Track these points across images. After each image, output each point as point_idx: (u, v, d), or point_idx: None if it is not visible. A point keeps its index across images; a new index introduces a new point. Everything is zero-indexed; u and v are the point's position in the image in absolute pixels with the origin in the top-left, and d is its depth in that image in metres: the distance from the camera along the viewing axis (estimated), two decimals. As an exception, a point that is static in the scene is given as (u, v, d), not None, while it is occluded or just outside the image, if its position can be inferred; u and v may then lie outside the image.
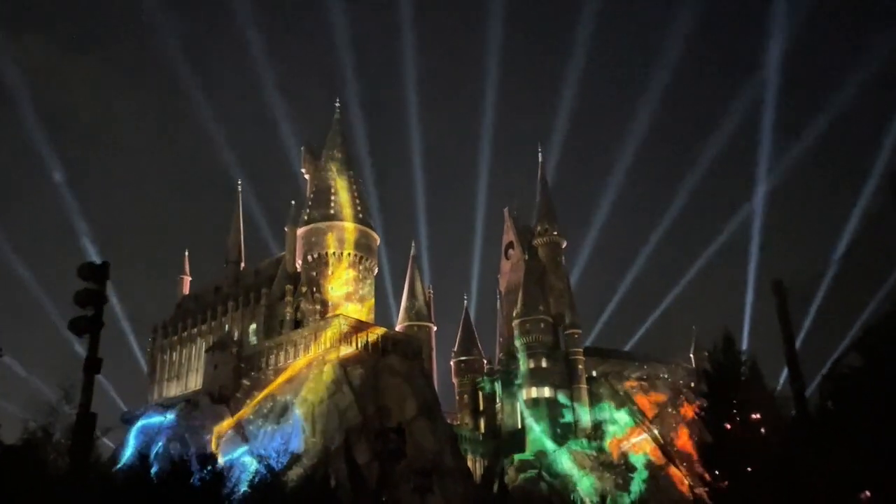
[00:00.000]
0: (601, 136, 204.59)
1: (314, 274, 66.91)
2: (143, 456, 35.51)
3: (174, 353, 70.83)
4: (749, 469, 21.49)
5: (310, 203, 70.34)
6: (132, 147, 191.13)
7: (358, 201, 70.42)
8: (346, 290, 66.64)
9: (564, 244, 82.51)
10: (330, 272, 66.96)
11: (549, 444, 68.71)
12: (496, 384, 77.10)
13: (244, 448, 54.18)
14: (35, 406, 28.17)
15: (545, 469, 66.69)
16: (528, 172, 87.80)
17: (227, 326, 66.93)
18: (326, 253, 67.35)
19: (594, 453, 68.90)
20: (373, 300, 69.53)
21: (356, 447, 50.82)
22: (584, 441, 70.04)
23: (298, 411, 54.75)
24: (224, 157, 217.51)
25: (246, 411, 58.62)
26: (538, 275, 78.69)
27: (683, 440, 72.70)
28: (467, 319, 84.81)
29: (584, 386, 73.48)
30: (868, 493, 16.92)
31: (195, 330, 70.01)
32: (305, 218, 69.51)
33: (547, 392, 71.48)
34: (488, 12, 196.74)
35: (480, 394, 78.83)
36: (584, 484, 65.66)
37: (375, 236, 71.18)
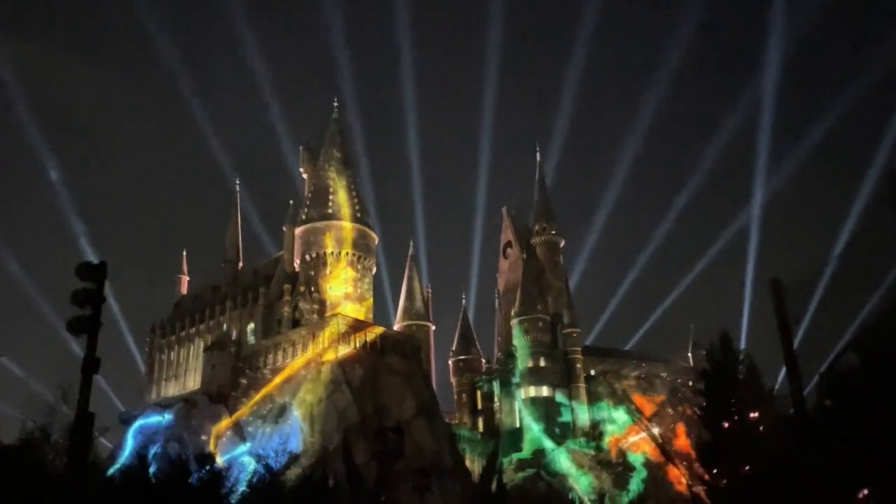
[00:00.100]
0: (602, 136, 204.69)
1: (312, 273, 66.90)
2: (141, 456, 35.48)
3: (172, 353, 70.76)
4: (747, 467, 21.54)
5: (308, 202, 70.31)
6: (130, 146, 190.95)
7: (356, 201, 70.40)
8: (344, 290, 66.62)
9: (562, 243, 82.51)
10: (328, 272, 66.95)
11: (548, 444, 68.73)
12: (494, 383, 77.09)
13: (242, 448, 54.17)
14: (33, 406, 28.15)
15: (543, 468, 66.69)
16: (527, 172, 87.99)
17: (225, 326, 66.88)
18: (325, 252, 67.33)
19: (592, 452, 68.91)
20: (371, 300, 69.52)
21: (355, 447, 50.82)
22: (583, 440, 70.06)
23: (297, 411, 54.74)
24: (222, 156, 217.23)
25: (244, 411, 58.61)
26: (536, 274, 78.70)
27: (682, 439, 72.70)
28: (465, 319, 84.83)
29: (582, 385, 73.51)
30: (866, 491, 16.96)
31: (193, 330, 69.95)
32: (303, 217, 69.48)
33: (545, 391, 71.51)
34: (487, 11, 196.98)
35: (479, 393, 78.83)
36: (583, 483, 65.70)
37: (374, 236, 71.16)
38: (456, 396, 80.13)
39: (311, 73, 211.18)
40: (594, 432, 71.09)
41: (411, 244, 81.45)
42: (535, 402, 71.27)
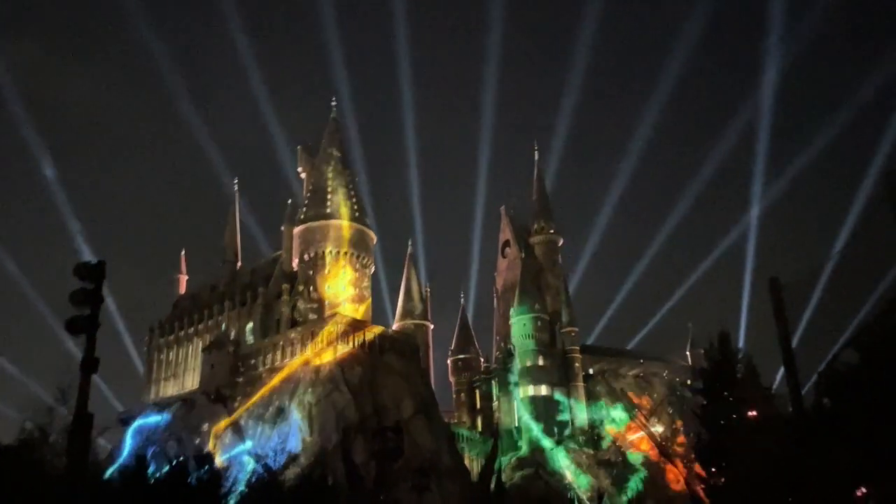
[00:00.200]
0: (604, 138, 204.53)
1: (311, 273, 66.87)
2: (140, 456, 35.43)
3: (171, 353, 70.72)
4: (746, 466, 21.53)
5: (306, 202, 70.28)
6: (128, 146, 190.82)
7: (354, 200, 70.37)
8: (342, 289, 66.59)
9: (561, 242, 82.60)
10: (327, 271, 66.92)
11: (546, 442, 68.80)
12: (493, 382, 77.12)
13: (241, 447, 54.14)
14: (31, 406, 28.10)
15: (542, 467, 66.75)
16: (526, 171, 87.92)
17: (223, 326, 66.84)
18: (323, 252, 67.30)
19: (591, 451, 69.00)
20: (370, 299, 69.50)
21: (353, 446, 50.79)
22: (581, 439, 70.14)
23: (296, 411, 54.72)
24: (220, 156, 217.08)
25: (243, 411, 58.56)
26: (535, 273, 78.76)
27: (680, 438, 72.77)
28: (464, 318, 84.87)
29: (580, 384, 73.58)
30: (864, 490, 16.98)
31: (192, 329, 69.91)
32: (302, 217, 69.45)
33: (544, 390, 71.57)
34: (487, 8, 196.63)
35: (477, 392, 78.86)
36: (581, 482, 65.76)
37: (372, 235, 71.14)
38: (455, 396, 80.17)
39: (308, 73, 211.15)
40: (593, 431, 71.17)
41: (410, 243, 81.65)
42: (533, 401, 71.33)
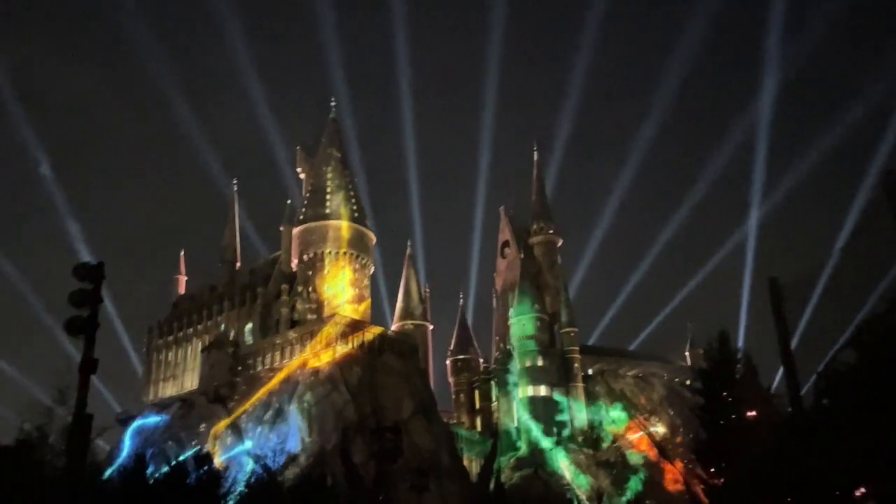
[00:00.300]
0: (606, 137, 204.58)
1: (310, 273, 66.86)
2: (139, 456, 35.41)
3: (170, 354, 70.69)
4: (745, 466, 21.55)
5: (305, 202, 70.28)
6: (127, 147, 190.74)
7: (353, 200, 70.36)
8: (342, 290, 66.58)
9: (560, 243, 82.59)
10: (326, 271, 66.91)
11: (546, 443, 68.78)
12: (492, 383, 77.11)
13: (240, 448, 54.12)
14: (30, 407, 28.06)
15: (541, 467, 66.72)
16: (526, 172, 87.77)
17: (223, 326, 66.82)
18: (322, 252, 67.29)
19: (590, 451, 68.98)
20: (369, 299, 69.49)
21: (353, 446, 50.75)
22: (581, 439, 70.14)
23: (295, 411, 54.72)
24: (219, 156, 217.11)
25: (242, 411, 58.54)
26: (534, 273, 78.74)
27: (679, 438, 72.76)
28: (463, 318, 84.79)
29: (580, 384, 73.55)
30: (863, 490, 16.99)
31: (191, 330, 69.89)
32: (301, 217, 69.45)
33: (543, 390, 71.54)
34: (487, 8, 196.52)
35: (476, 393, 78.82)
36: (581, 482, 65.73)
37: (371, 235, 71.13)
38: (454, 396, 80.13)
39: (307, 73, 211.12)
40: (592, 431, 71.14)
41: (409, 244, 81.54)
42: (532, 401, 71.30)
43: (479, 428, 75.70)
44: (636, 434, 72.43)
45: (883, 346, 15.84)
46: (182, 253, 79.80)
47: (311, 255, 67.41)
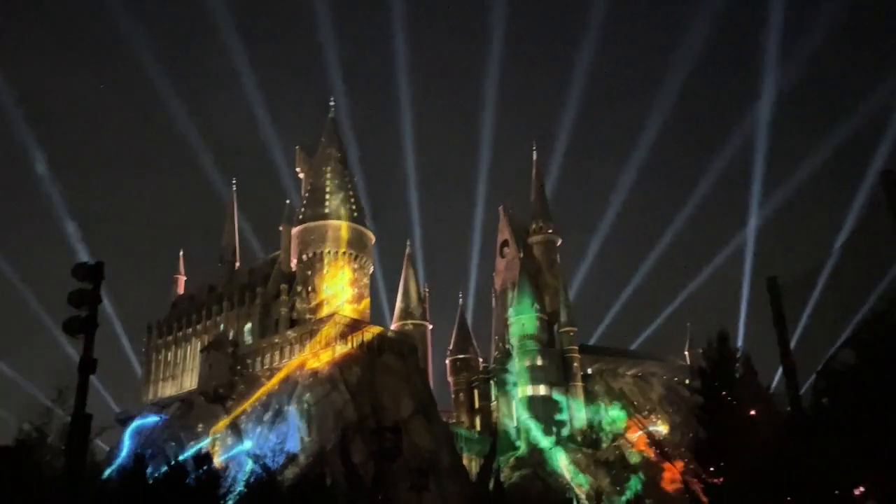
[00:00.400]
0: (607, 138, 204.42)
1: (309, 273, 66.84)
2: (138, 456, 35.40)
3: (169, 353, 70.67)
4: (744, 466, 21.56)
5: (304, 202, 70.25)
6: (126, 147, 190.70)
7: (352, 200, 70.34)
8: (341, 290, 66.56)
9: (559, 242, 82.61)
10: (325, 271, 66.89)
11: (545, 442, 68.81)
12: (491, 382, 77.13)
13: (240, 448, 54.12)
14: (29, 407, 28.08)
15: (541, 467, 66.75)
16: (526, 171, 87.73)
17: (222, 326, 66.82)
18: (321, 252, 67.27)
19: (589, 451, 68.99)
20: (368, 299, 69.48)
21: (352, 446, 50.77)
22: (580, 439, 70.16)
23: (294, 411, 54.73)
24: (217, 156, 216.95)
25: (241, 411, 58.54)
26: (533, 273, 78.74)
27: (679, 437, 72.81)
28: (463, 318, 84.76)
29: (579, 384, 73.57)
30: (863, 489, 17.00)
31: (190, 330, 69.88)
32: (300, 217, 69.43)
33: (542, 390, 71.56)
34: (487, 6, 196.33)
35: (476, 392, 78.82)
36: (580, 481, 65.77)
37: (370, 235, 71.11)
38: (453, 396, 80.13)
39: (306, 73, 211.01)
40: (591, 431, 71.15)
41: (408, 244, 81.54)
42: (532, 400, 71.32)
43: (478, 427, 75.72)
44: (635, 433, 72.45)
45: (882, 346, 15.84)
46: (181, 253, 79.91)
47: (311, 254, 67.40)
